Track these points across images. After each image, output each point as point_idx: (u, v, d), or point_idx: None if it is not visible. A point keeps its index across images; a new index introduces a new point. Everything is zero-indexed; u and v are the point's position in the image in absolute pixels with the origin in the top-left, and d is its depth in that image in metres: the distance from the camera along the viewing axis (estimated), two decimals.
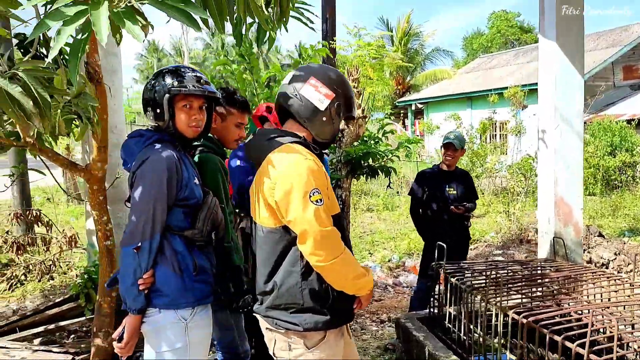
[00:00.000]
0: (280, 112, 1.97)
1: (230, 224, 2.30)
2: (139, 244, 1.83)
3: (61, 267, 5.96)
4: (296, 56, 42.09)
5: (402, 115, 26.60)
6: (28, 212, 5.89)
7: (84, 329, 4.17)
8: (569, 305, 2.81)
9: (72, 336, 4.09)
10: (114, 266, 2.80)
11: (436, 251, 3.37)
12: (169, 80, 1.94)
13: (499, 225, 8.04)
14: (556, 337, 2.28)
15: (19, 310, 4.91)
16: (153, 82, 1.97)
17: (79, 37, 1.54)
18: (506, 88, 13.80)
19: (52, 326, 3.75)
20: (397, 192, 11.32)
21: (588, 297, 3.14)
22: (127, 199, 1.99)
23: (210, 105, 2.13)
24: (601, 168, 11.50)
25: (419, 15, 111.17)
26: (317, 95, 1.85)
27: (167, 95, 1.92)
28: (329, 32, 5.15)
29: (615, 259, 6.09)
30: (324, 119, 1.87)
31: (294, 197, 1.71)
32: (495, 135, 17.65)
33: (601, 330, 2.78)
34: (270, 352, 1.92)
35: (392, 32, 27.35)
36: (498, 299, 2.82)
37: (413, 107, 25.07)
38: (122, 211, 4.13)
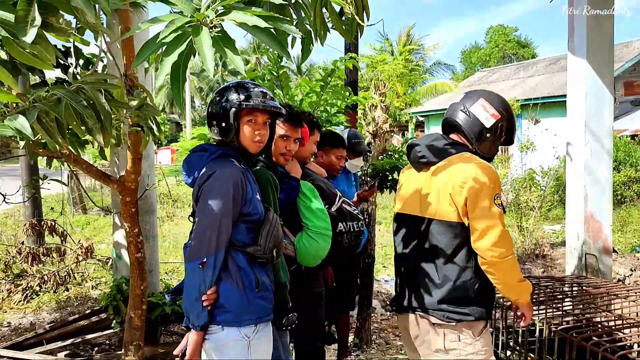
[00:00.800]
0: (447, 125, 2.21)
1: None
2: (204, 259, 1.81)
3: (75, 278, 5.90)
4: (294, 67, 42.21)
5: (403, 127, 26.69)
6: (43, 222, 5.85)
7: (107, 342, 4.11)
8: (618, 323, 2.80)
9: (96, 349, 4.04)
10: (144, 278, 2.77)
11: None
12: (235, 95, 1.93)
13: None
14: (610, 357, 2.27)
15: (36, 322, 4.85)
16: (218, 97, 1.96)
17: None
18: None
19: (79, 339, 3.69)
20: None
21: (622, 312, 3.13)
22: (191, 214, 1.97)
23: (273, 122, 2.12)
24: None
25: (416, 29, 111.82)
26: (485, 114, 2.08)
27: (233, 109, 1.91)
28: (351, 47, 5.17)
29: (632, 274, 6.10)
30: (488, 135, 2.08)
31: (483, 197, 1.93)
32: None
33: None
34: (438, 347, 2.05)
35: (392, 45, 27.51)
36: (541, 315, 2.81)
37: (414, 120, 25.16)
38: (148, 223, 4.11)
